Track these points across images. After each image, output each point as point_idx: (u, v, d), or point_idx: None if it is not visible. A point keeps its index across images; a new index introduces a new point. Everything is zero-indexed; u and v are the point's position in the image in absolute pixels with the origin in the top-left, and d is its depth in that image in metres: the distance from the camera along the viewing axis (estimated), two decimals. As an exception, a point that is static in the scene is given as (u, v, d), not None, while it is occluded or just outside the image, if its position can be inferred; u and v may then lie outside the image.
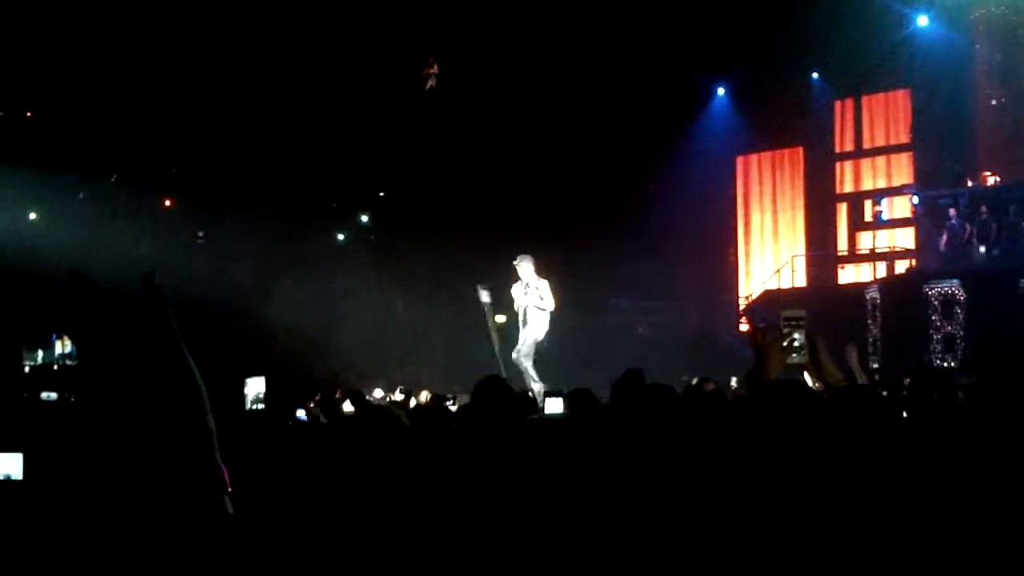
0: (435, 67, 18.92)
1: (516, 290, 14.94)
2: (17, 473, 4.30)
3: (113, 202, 22.01)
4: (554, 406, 8.49)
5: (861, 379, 7.32)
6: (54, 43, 18.93)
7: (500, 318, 18.30)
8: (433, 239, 22.11)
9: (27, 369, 9.74)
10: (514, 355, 14.51)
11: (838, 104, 23.17)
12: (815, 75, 22.82)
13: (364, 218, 25.19)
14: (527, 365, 14.38)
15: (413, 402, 12.59)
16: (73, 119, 21.00)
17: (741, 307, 23.34)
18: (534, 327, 14.69)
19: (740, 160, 24.64)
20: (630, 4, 19.44)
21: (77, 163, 21.39)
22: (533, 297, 14.75)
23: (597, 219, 21.49)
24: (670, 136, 22.96)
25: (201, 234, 22.97)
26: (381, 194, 24.81)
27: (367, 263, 23.70)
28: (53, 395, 7.81)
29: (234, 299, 20.97)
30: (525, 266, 14.96)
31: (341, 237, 25.20)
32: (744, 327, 22.63)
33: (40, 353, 10.49)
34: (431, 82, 18.86)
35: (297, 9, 18.93)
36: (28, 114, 22.06)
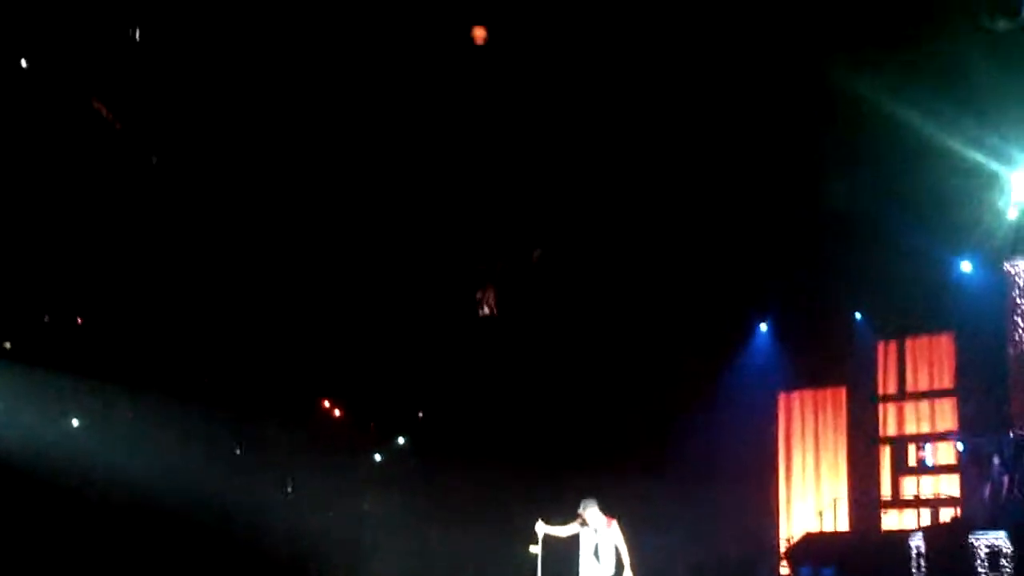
0: (492, 294, 19.12)
1: (584, 535, 14.74)
2: None
3: (153, 414, 22.11)
4: None
5: None
6: (102, 254, 19.33)
7: (535, 548, 18.03)
8: (470, 467, 22.00)
9: None
10: None
11: (881, 345, 23.03)
12: (858, 316, 22.80)
13: (401, 440, 25.10)
14: None
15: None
16: (119, 328, 21.29)
17: (782, 549, 22.82)
18: (608, 566, 14.45)
19: (782, 397, 24.42)
20: (673, 235, 19.70)
21: (120, 372, 21.61)
22: (604, 540, 14.55)
23: (633, 454, 21.34)
24: (711, 370, 22.92)
25: (239, 451, 22.97)
26: (420, 415, 24.82)
27: (403, 488, 23.53)
28: None
29: (261, 524, 20.83)
30: (591, 511, 14.82)
31: (379, 458, 25.10)
32: (785, 571, 22.09)
33: None
34: (487, 309, 19.04)
35: (345, 232, 19.31)
36: (79, 320, 22.36)
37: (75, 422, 22.84)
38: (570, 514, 17.71)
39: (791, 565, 22.00)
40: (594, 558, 14.75)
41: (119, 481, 20.96)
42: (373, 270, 19.95)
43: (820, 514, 22.63)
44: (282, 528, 21.47)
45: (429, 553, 22.82)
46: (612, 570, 14.57)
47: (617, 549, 14.68)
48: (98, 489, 20.86)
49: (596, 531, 14.73)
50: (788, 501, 23.87)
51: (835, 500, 22.72)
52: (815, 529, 22.40)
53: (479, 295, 19.59)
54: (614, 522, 14.88)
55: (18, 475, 20.34)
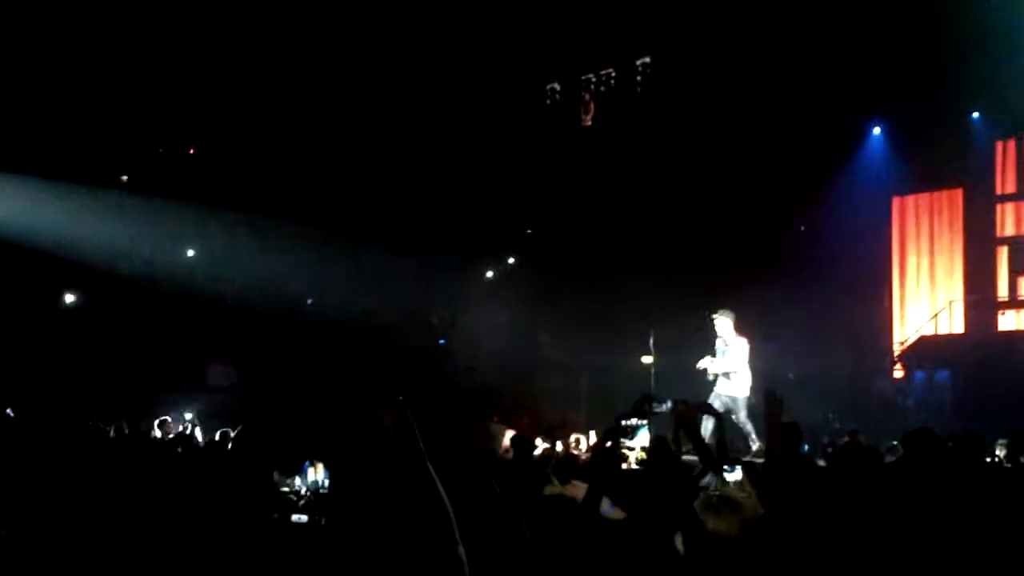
0: (591, 105, 18.92)
1: (718, 346, 14.78)
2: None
3: (270, 237, 22.60)
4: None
5: None
6: (215, 82, 19.54)
7: (647, 359, 18.26)
8: (579, 281, 22.19)
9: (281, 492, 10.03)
10: (734, 419, 14.22)
11: (999, 144, 22.45)
12: (975, 115, 22.14)
13: (511, 260, 25.29)
14: (750, 427, 14.13)
15: (559, 446, 12.51)
16: (232, 156, 21.63)
17: (896, 353, 22.77)
18: (741, 386, 14.49)
19: (896, 201, 24.00)
20: (784, 41, 19.24)
21: (235, 198, 22.03)
22: (729, 356, 14.54)
23: (748, 260, 21.27)
24: (824, 176, 22.58)
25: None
26: (528, 231, 24.94)
27: (515, 301, 23.83)
28: (303, 518, 8.05)
29: (384, 334, 21.33)
30: (723, 321, 14.77)
31: (490, 275, 25.38)
32: (899, 373, 22.08)
33: (296, 480, 10.84)
34: (586, 120, 18.89)
35: (450, 46, 19.18)
36: (191, 151, 22.77)
37: (190, 252, 23.45)
38: (682, 321, 17.86)
39: (905, 368, 21.99)
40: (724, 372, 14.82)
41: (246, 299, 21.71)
42: (470, 87, 19.85)
43: (935, 317, 22.47)
44: (404, 337, 22.07)
45: (543, 362, 23.23)
46: (737, 382, 14.64)
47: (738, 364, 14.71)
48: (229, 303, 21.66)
49: (726, 343, 14.79)
50: (902, 304, 23.69)
51: (950, 302, 22.48)
52: (930, 332, 22.27)
53: (581, 108, 19.41)
54: (740, 339, 14.89)
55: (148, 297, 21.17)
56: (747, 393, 14.49)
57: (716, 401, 14.53)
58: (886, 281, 23.86)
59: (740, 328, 14.84)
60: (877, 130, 23.46)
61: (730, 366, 14.46)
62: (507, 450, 12.37)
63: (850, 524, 6.38)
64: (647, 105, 19.88)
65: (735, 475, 8.07)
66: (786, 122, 20.87)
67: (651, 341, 17.84)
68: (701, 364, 14.87)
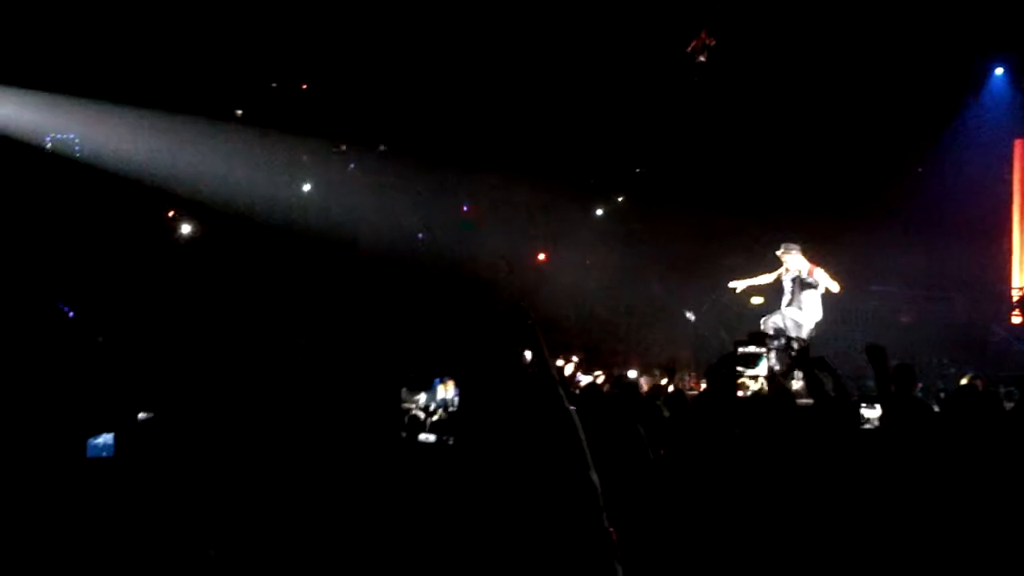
0: (708, 40, 18.47)
1: (785, 280, 14.61)
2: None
3: (383, 173, 22.76)
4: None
5: None
6: (327, 16, 19.60)
7: (757, 299, 18.06)
8: (690, 221, 22.01)
9: (409, 411, 9.97)
10: (778, 342, 14.04)
11: None
12: (1104, 54, 21.40)
13: (620, 198, 25.14)
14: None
15: (671, 388, 12.47)
16: (345, 90, 21.72)
17: (1015, 298, 22.22)
18: (810, 314, 14.33)
19: (1019, 144, 23.33)
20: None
21: (349, 133, 22.19)
22: (804, 287, 14.37)
23: (862, 202, 20.90)
24: (942, 117, 22.03)
25: (466, 208, 23.49)
26: (638, 171, 24.74)
27: (623, 240, 23.74)
28: (431, 437, 8.06)
29: (486, 270, 21.42)
30: (793, 256, 14.59)
31: (600, 213, 25.28)
32: (1017, 320, 21.58)
33: (422, 396, 10.75)
34: (702, 56, 18.50)
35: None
36: (303, 86, 22.91)
37: (306, 187, 23.69)
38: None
39: (1023, 314, 21.49)
40: (793, 304, 14.65)
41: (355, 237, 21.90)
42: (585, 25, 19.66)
43: (1055, 263, 21.92)
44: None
45: (650, 302, 23.13)
46: (813, 316, 14.45)
47: (817, 294, 14.47)
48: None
49: (798, 276, 14.57)
50: (1022, 249, 23.09)
51: (1072, 249, 21.90)
52: (1049, 278, 21.74)
53: (694, 43, 19.06)
54: (818, 269, 14.64)
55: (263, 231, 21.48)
56: (811, 326, 14.31)
57: (778, 319, 14.42)
58: (1005, 225, 23.25)
59: (811, 258, 14.63)
60: (1000, 71, 22.78)
61: (813, 291, 14.30)
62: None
63: (967, 466, 6.30)
64: (762, 44, 19.50)
65: (874, 412, 8.07)
66: (906, 63, 20.37)
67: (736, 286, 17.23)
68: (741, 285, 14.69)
